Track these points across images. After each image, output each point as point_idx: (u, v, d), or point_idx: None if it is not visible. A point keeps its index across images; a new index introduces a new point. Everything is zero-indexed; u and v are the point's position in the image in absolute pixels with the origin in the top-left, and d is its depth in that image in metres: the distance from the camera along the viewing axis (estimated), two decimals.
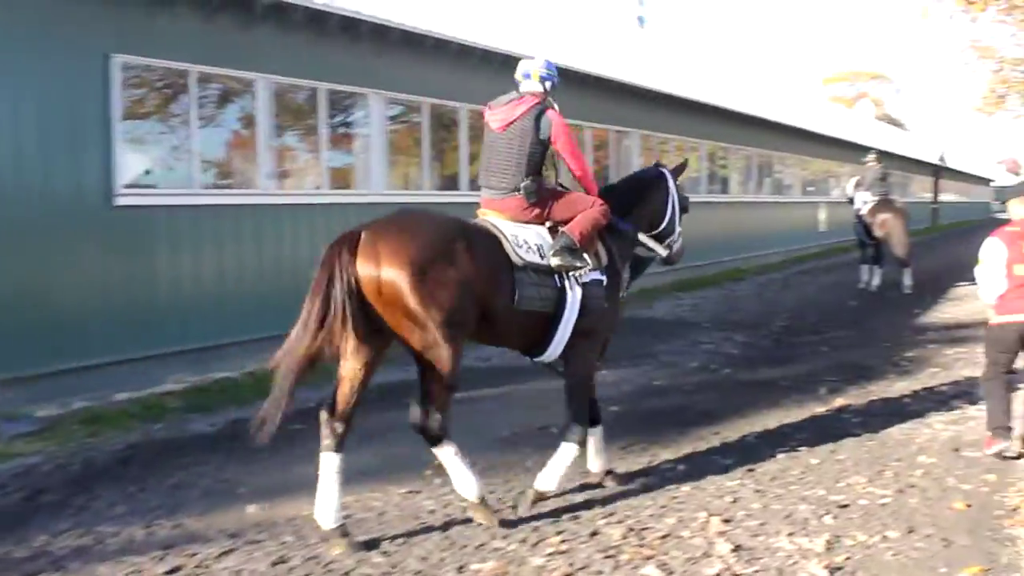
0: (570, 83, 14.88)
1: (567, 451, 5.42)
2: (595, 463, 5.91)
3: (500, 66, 13.02)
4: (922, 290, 16.88)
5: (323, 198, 11.21)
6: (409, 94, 12.51)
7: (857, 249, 18.67)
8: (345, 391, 4.82)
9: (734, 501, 5.61)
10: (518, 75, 5.59)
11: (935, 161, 48.09)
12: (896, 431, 7.20)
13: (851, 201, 17.87)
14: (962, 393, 8.48)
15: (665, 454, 6.67)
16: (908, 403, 8.16)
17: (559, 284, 5.26)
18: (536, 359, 5.54)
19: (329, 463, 4.76)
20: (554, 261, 5.22)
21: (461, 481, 5.12)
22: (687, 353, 11.05)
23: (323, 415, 4.80)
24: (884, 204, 17.23)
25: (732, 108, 21.46)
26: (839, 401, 8.19)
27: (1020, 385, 7.10)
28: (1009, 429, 6.40)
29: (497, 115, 5.44)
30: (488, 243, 5.07)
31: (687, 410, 8.06)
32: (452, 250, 4.77)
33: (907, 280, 17.09)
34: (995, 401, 6.47)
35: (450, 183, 13.57)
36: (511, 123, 5.36)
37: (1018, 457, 6.30)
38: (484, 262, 4.91)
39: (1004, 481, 5.88)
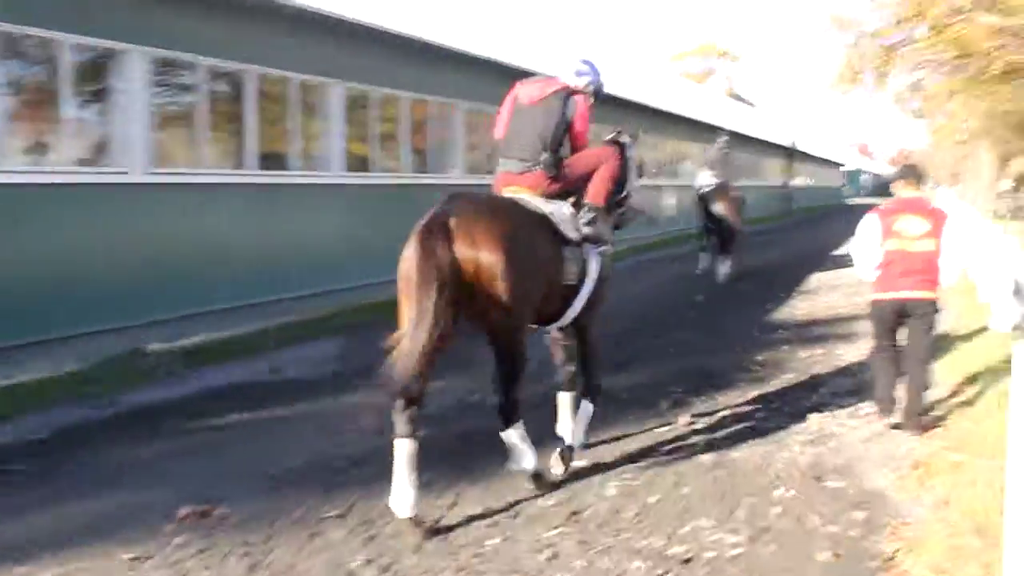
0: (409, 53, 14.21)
1: (588, 410, 6.59)
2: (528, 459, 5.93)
3: (293, 22, 12.15)
4: (773, 282, 16.94)
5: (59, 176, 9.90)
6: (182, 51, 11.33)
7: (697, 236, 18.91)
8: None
9: (552, 558, 4.93)
10: (562, 70, 6.40)
11: (786, 143, 49.81)
12: (749, 454, 6.72)
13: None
14: (821, 404, 8.16)
15: (473, 493, 5.98)
16: (762, 419, 7.74)
17: (585, 255, 6.10)
18: (545, 327, 6.31)
19: (405, 450, 5.21)
20: (587, 231, 6.05)
21: (520, 459, 5.75)
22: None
23: (399, 403, 5.18)
24: (719, 191, 17.61)
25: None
26: (683, 418, 7.67)
27: None
28: (893, 402, 7.28)
29: (529, 90, 6.17)
30: (543, 223, 5.81)
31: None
32: (531, 233, 5.56)
33: (723, 268, 17.50)
34: (880, 377, 7.37)
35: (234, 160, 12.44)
36: (542, 99, 6.09)
37: (896, 427, 7.19)
38: (547, 242, 5.73)
39: (876, 520, 5.42)
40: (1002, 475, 5.59)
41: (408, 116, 15.52)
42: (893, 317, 7.28)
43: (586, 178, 6.19)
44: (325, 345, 11.09)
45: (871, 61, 23.51)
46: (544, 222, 5.83)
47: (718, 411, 7.97)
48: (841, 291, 16.26)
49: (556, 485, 6.09)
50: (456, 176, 16.62)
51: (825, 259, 22.76)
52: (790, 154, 51.86)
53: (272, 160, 12.74)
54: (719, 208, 17.40)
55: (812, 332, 12.03)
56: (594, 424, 7.35)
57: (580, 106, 6.17)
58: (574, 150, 6.19)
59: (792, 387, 8.90)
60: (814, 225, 39.79)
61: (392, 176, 14.98)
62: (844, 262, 22.99)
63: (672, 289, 16.76)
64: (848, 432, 7.26)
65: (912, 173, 7.65)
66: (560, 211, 5.99)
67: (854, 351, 10.62)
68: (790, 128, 54.48)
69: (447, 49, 15.79)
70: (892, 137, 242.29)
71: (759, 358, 10.25)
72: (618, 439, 7.11)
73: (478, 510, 5.69)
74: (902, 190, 7.53)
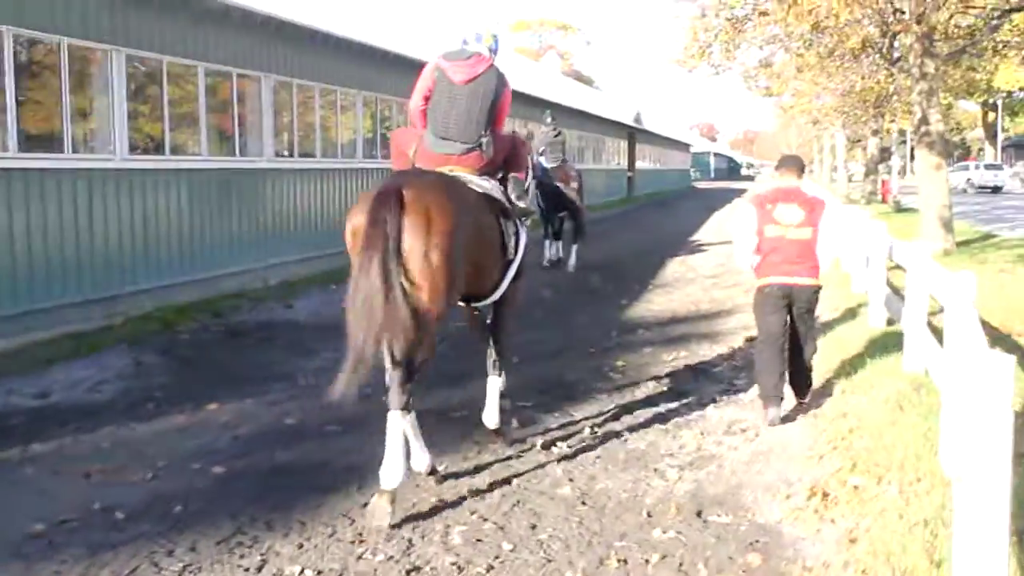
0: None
1: (496, 384, 6.96)
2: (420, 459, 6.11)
3: None
4: (624, 275, 16.59)
5: None
6: None
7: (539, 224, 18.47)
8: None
9: None
10: (468, 36, 6.75)
11: (630, 123, 50.22)
12: (617, 484, 6.11)
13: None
14: (693, 418, 7.67)
15: (285, 549, 5.18)
16: (627, 437, 7.16)
17: (517, 229, 6.73)
18: (477, 304, 6.84)
19: (397, 423, 5.74)
20: (521, 205, 6.73)
21: (399, 457, 5.72)
22: (334, 371, 9.50)
23: (397, 375, 5.71)
24: (559, 172, 17.65)
25: (400, 53, 20.20)
26: (538, 439, 7.00)
27: None
28: (780, 399, 7.56)
29: (458, 68, 6.51)
30: (487, 200, 6.37)
31: (326, 467, 6.59)
32: (477, 210, 6.11)
33: (572, 259, 17.54)
34: (766, 369, 7.56)
35: None
36: (475, 78, 6.49)
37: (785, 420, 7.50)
38: (491, 217, 6.32)
39: (775, 567, 4.85)
40: (915, 503, 5.15)
41: (209, 92, 14.37)
42: (778, 303, 7.62)
43: (505, 158, 6.80)
44: (106, 361, 9.95)
45: (719, 35, 23.52)
46: (487, 199, 6.42)
47: (577, 430, 7.36)
48: (698, 284, 16.07)
49: (389, 536, 5.33)
50: (266, 160, 15.57)
51: (677, 248, 22.73)
52: (632, 135, 52.33)
53: (36, 142, 11.43)
54: (563, 190, 17.04)
55: (673, 331, 11.63)
56: (433, 452, 6.69)
57: (507, 84, 6.71)
58: (498, 121, 6.72)
59: (658, 397, 8.40)
60: (662, 211, 40.21)
61: (190, 160, 13.83)
62: (697, 249, 23.25)
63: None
64: (728, 452, 6.76)
65: (793, 163, 8.04)
66: (496, 188, 6.63)
67: (721, 351, 10.26)
68: (633, 108, 55.06)
69: (255, 11, 14.71)
70: (737, 118, 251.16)
71: (618, 363, 9.73)
72: (461, 473, 6.38)
73: (295, 570, 4.87)
74: (782, 179, 7.96)
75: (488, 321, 7.19)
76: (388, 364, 5.79)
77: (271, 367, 9.70)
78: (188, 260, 13.48)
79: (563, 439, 7.12)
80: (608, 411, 7.92)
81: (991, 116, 75.63)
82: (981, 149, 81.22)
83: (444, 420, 7.64)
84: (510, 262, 6.65)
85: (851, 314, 11.67)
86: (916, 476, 5.55)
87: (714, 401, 8.18)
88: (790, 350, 7.70)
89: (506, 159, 6.82)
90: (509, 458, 6.65)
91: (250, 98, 15.40)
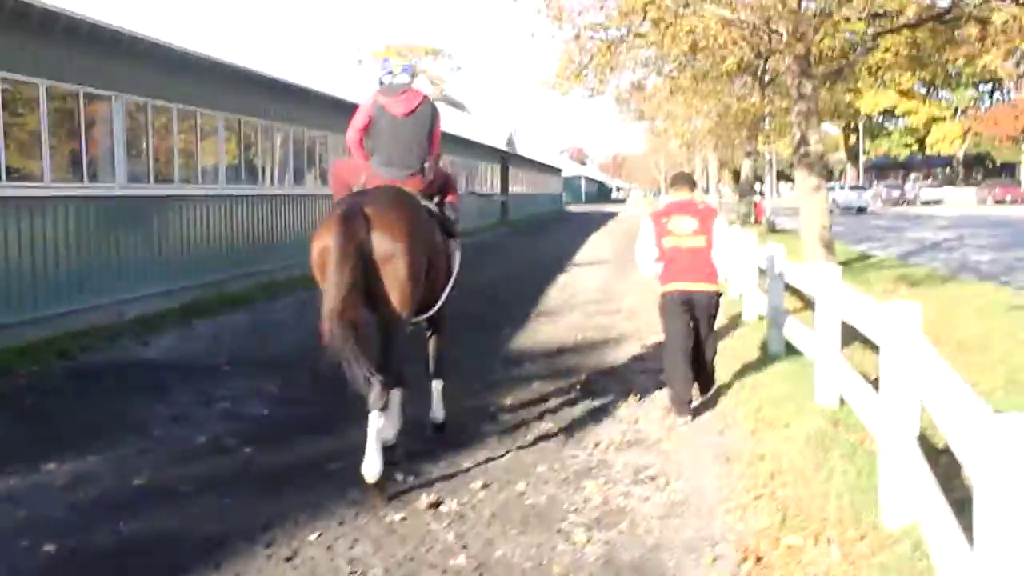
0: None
1: (440, 386, 7.69)
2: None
3: None
4: (505, 302, 15.86)
5: None
6: None
7: None
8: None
9: None
10: (392, 69, 7.30)
11: (503, 147, 49.76)
12: (518, 552, 5.30)
13: None
14: (595, 464, 6.91)
15: None
16: (524, 491, 6.36)
17: (453, 248, 7.45)
18: (419, 318, 7.11)
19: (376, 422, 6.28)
20: (456, 228, 7.57)
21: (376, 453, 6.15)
22: (194, 419, 8.59)
23: (376, 380, 6.23)
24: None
25: (260, 72, 19.13)
26: (423, 499, 6.14)
27: None
28: (689, 403, 8.15)
29: (395, 103, 7.15)
30: (433, 219, 7.15)
31: (179, 540, 5.60)
32: (429, 227, 6.93)
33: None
34: (675, 375, 8.12)
35: None
36: (413, 111, 7.15)
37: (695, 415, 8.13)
38: (438, 235, 7.13)
39: None
40: (864, 567, 4.48)
41: (51, 110, 13.13)
42: (681, 308, 8.19)
43: (441, 184, 7.58)
44: None
45: (596, 57, 23.08)
46: (434, 218, 7.18)
47: (466, 482, 6.53)
48: (581, 310, 15.43)
49: None
50: (118, 187, 14.34)
51: (556, 273, 22.14)
52: (505, 160, 51.90)
53: None
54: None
55: (562, 363, 10.91)
56: (298, 520, 5.79)
57: (438, 113, 7.44)
58: (432, 149, 7.36)
59: (552, 440, 7.62)
60: (537, 235, 39.75)
61: (31, 187, 12.55)
62: (576, 274, 22.68)
63: None
64: (639, 505, 6.01)
65: (685, 179, 8.91)
66: (436, 208, 7.31)
67: (616, 385, 9.56)
68: (505, 133, 54.66)
69: (102, 27, 13.52)
70: (606, 142, 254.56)
71: (506, 401, 8.94)
72: (330, 545, 5.48)
73: None
74: (675, 194, 8.66)
75: (428, 334, 7.73)
76: (360, 372, 6.18)
77: (122, 415, 8.63)
78: (30, 296, 12.21)
79: (451, 494, 6.27)
80: (499, 458, 7.11)
81: (852, 139, 77.83)
82: (843, 171, 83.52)
83: (318, 474, 6.74)
84: (450, 276, 7.36)
85: (747, 341, 11.14)
86: (858, 533, 4.89)
87: (615, 444, 7.43)
88: (693, 352, 8.22)
89: (442, 185, 7.59)
90: (392, 522, 5.77)
91: (101, 121, 14.20)
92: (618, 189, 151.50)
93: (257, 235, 19.42)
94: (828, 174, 26.89)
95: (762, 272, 13.62)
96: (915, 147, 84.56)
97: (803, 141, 18.37)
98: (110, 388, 9.82)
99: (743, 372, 9.69)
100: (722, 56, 22.00)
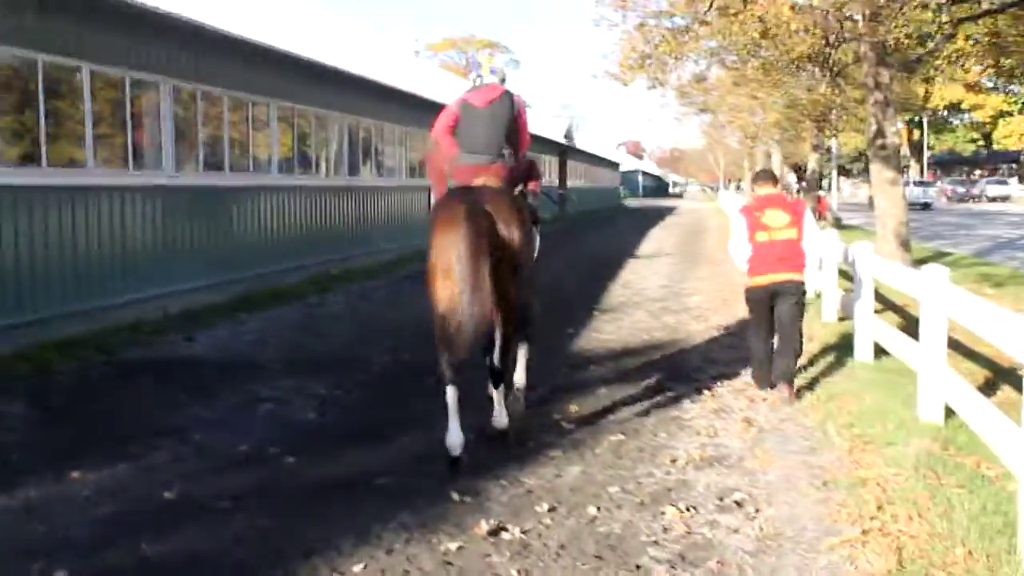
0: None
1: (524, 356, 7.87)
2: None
3: None
4: (566, 299, 15.08)
5: None
6: None
7: None
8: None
9: None
10: (482, 72, 7.92)
11: (561, 140, 48.96)
12: None
13: None
14: (673, 486, 6.18)
15: None
16: (595, 516, 5.64)
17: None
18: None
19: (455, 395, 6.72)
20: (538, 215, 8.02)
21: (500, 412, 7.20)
22: (235, 423, 8.00)
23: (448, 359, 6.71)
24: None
25: (315, 60, 18.55)
26: (482, 524, 5.45)
27: None
28: (770, 373, 8.53)
29: (477, 97, 7.68)
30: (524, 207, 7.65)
31: (210, 565, 4.98)
32: (525, 216, 7.38)
33: None
34: (755, 353, 8.77)
35: None
36: (491, 101, 7.64)
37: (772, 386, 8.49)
38: (528, 223, 7.50)
39: None
40: None
41: (94, 95, 12.64)
42: (767, 298, 8.56)
43: (525, 173, 7.97)
44: None
45: (661, 45, 22.25)
46: (524, 207, 7.56)
47: (529, 504, 5.83)
48: (645, 309, 14.66)
49: None
50: (166, 176, 13.84)
51: (617, 269, 21.37)
52: (564, 153, 51.10)
53: None
54: None
55: (629, 366, 10.17)
56: (342, 548, 5.13)
57: (520, 103, 7.81)
58: (520, 139, 7.83)
59: (624, 455, 6.90)
60: (596, 230, 38.92)
61: (73, 174, 12.07)
62: (638, 271, 21.88)
63: None
64: (727, 538, 5.26)
65: (768, 175, 9.31)
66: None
67: (688, 392, 8.82)
68: (563, 126, 53.87)
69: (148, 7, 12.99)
70: (663, 136, 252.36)
71: (572, 409, 8.22)
72: (374, 571, 4.81)
73: None
74: (760, 189, 9.03)
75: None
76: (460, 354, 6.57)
77: (159, 418, 8.05)
78: (72, 287, 11.71)
79: (514, 518, 5.58)
80: (566, 477, 6.40)
81: (915, 134, 76.00)
82: (907, 166, 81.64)
83: (365, 490, 6.09)
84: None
85: (828, 344, 10.36)
86: None
87: (694, 461, 6.69)
88: (777, 347, 8.59)
89: (526, 172, 7.99)
90: (446, 552, 5.09)
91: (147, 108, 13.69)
92: (675, 184, 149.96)
93: (310, 227, 18.87)
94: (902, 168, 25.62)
95: (842, 271, 12.82)
96: (981, 142, 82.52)
97: (879, 133, 17.47)
98: (149, 388, 9.26)
99: (828, 380, 8.92)
100: (791, 45, 21.15)
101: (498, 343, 6.99)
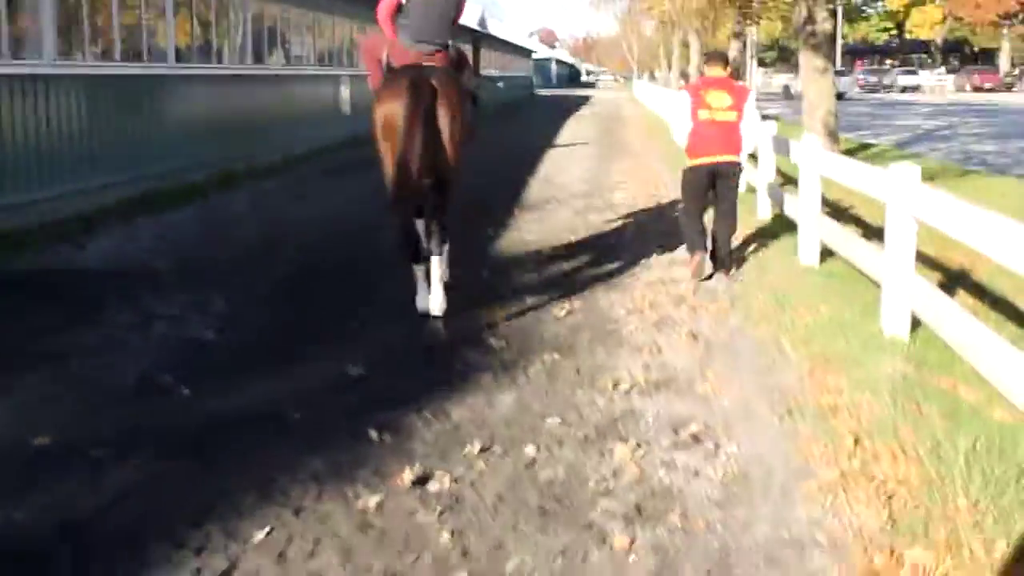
0: None
1: (439, 263, 7.27)
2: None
3: None
4: (485, 195, 14.12)
5: None
6: None
7: None
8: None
9: None
10: None
11: (474, 27, 47.39)
12: (537, 566, 3.87)
13: None
14: (620, 415, 5.47)
15: None
16: (535, 457, 4.91)
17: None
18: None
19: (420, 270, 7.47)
20: (477, 93, 8.74)
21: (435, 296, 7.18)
22: (123, 346, 7.08)
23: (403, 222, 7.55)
24: None
25: None
26: (406, 473, 4.68)
27: None
28: (705, 249, 8.71)
29: None
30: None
31: (81, 540, 4.12)
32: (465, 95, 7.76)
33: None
34: (691, 230, 8.79)
35: None
36: None
37: (708, 278, 8.68)
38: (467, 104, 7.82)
39: None
40: None
41: None
42: (706, 180, 8.77)
43: (455, 58, 7.90)
44: None
45: None
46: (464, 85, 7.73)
47: (458, 442, 5.07)
48: (569, 207, 13.89)
49: None
50: (47, 63, 12.52)
51: (535, 164, 20.51)
52: (477, 41, 49.54)
53: None
54: None
55: (556, 270, 9.45)
56: (247, 500, 4.33)
57: None
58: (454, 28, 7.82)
59: (561, 377, 6.18)
60: (510, 121, 37.81)
61: None
62: (557, 165, 21.03)
63: (356, 211, 13.64)
64: (688, 483, 4.55)
65: (719, 57, 9.23)
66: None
67: (622, 301, 8.13)
68: (476, 12, 52.15)
69: None
70: (576, 24, 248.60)
71: (497, 320, 7.47)
72: (279, 540, 4.04)
73: None
74: (710, 71, 9.11)
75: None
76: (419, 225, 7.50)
77: (33, 343, 7.09)
78: None
79: (442, 462, 4.82)
80: (498, 407, 5.65)
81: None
82: None
83: (272, 429, 5.28)
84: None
85: (771, 246, 9.75)
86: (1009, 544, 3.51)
87: (639, 385, 5.98)
88: (714, 226, 8.94)
89: (457, 60, 7.98)
90: (365, 510, 4.31)
91: None
92: (588, 73, 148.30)
93: (212, 120, 17.59)
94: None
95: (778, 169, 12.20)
96: (893, 31, 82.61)
97: (810, 18, 16.75)
98: (24, 306, 8.22)
99: (773, 284, 8.29)
100: None
101: (426, 214, 7.37)
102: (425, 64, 7.40)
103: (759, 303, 7.74)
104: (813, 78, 16.97)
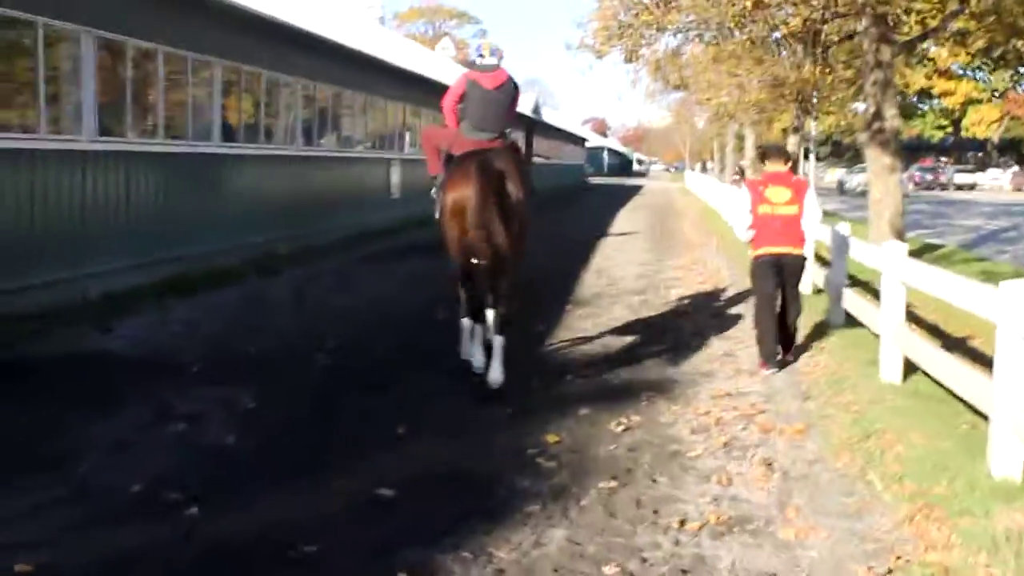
0: None
1: (501, 343, 7.94)
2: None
3: None
4: (535, 289, 13.39)
5: None
6: None
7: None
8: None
9: None
10: (483, 52, 8.53)
11: (528, 113, 47.31)
12: None
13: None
14: (686, 560, 4.68)
15: None
16: None
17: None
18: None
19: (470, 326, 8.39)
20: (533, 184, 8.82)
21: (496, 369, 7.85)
22: (135, 449, 6.49)
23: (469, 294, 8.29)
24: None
25: (270, 16, 16.81)
26: None
27: None
28: (776, 355, 8.96)
29: (486, 79, 8.31)
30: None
31: None
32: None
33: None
34: (764, 330, 8.91)
35: None
36: (500, 85, 8.35)
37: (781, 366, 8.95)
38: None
39: None
40: None
41: None
42: (771, 270, 8.87)
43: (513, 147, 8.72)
44: None
45: (640, 14, 20.70)
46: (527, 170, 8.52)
47: None
48: (623, 303, 13.17)
49: None
50: (87, 139, 12.14)
51: (589, 255, 19.85)
52: (531, 127, 49.45)
53: None
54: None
55: (611, 376, 8.72)
56: None
57: (518, 87, 8.68)
58: (511, 120, 8.61)
59: (619, 511, 5.40)
60: (562, 208, 37.32)
61: None
62: (611, 257, 20.31)
63: (403, 300, 13.03)
64: None
65: (780, 152, 9.44)
66: None
67: (684, 415, 7.40)
68: (531, 99, 52.17)
69: None
70: (627, 114, 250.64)
71: (550, 438, 6.71)
72: None
73: None
74: (771, 165, 9.21)
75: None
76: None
77: (44, 440, 6.50)
78: None
79: None
80: (548, 546, 4.88)
81: None
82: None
83: (282, 564, 4.56)
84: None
85: (841, 347, 8.95)
86: None
87: (710, 525, 5.18)
88: (780, 314, 9.00)
89: (515, 149, 8.58)
90: None
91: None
92: (639, 162, 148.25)
93: (256, 200, 17.19)
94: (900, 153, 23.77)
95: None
96: (949, 129, 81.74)
97: (878, 115, 16.05)
98: (39, 396, 7.65)
99: (853, 406, 7.47)
100: (782, 18, 19.70)
101: (488, 303, 8.08)
102: (488, 148, 7.97)
103: (838, 427, 6.92)
104: (881, 176, 16.22)
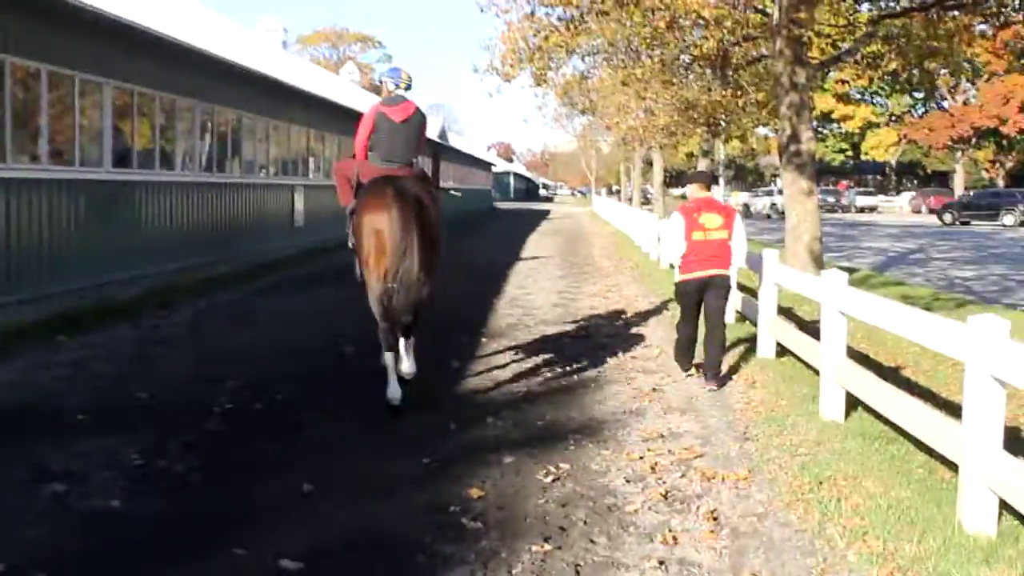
0: None
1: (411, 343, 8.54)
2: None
3: None
4: (447, 317, 12.72)
5: None
6: None
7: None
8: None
9: None
10: (400, 83, 8.77)
11: (435, 138, 46.73)
12: None
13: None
14: None
15: None
16: None
17: None
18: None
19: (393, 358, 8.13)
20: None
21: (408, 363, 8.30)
22: (1, 515, 5.62)
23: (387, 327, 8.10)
24: None
25: (167, 36, 15.91)
26: None
27: None
28: (690, 362, 9.66)
29: (394, 112, 8.57)
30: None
31: None
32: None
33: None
34: (683, 342, 9.62)
35: None
36: (408, 118, 8.61)
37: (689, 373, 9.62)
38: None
39: None
40: None
41: None
42: (696, 295, 9.31)
43: (420, 175, 9.01)
44: None
45: (550, 37, 20.26)
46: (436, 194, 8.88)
47: None
48: (541, 335, 12.56)
49: None
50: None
51: (500, 282, 19.26)
52: (437, 153, 48.87)
53: None
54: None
55: (535, 417, 8.10)
56: None
57: (425, 117, 8.96)
58: (419, 148, 8.87)
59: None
60: (471, 234, 36.78)
61: None
62: (523, 284, 19.73)
63: (306, 336, 12.26)
64: None
65: (704, 177, 10.05)
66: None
67: (618, 462, 6.83)
68: (436, 124, 51.61)
69: None
70: (532, 139, 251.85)
71: (472, 494, 6.06)
72: None
73: None
74: (696, 192, 9.57)
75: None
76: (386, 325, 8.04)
77: None
78: None
79: None
80: None
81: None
82: (774, 175, 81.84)
83: None
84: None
85: (777, 383, 8.48)
86: None
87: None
88: (705, 339, 9.35)
89: (422, 176, 8.97)
90: None
91: None
92: (545, 187, 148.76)
93: (154, 229, 16.25)
94: (816, 176, 23.58)
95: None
96: (849, 152, 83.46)
97: (794, 138, 15.85)
98: None
99: (796, 448, 6.98)
100: (695, 41, 19.44)
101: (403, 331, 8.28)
102: (398, 174, 8.24)
103: (785, 473, 6.41)
104: (798, 199, 16.01)
